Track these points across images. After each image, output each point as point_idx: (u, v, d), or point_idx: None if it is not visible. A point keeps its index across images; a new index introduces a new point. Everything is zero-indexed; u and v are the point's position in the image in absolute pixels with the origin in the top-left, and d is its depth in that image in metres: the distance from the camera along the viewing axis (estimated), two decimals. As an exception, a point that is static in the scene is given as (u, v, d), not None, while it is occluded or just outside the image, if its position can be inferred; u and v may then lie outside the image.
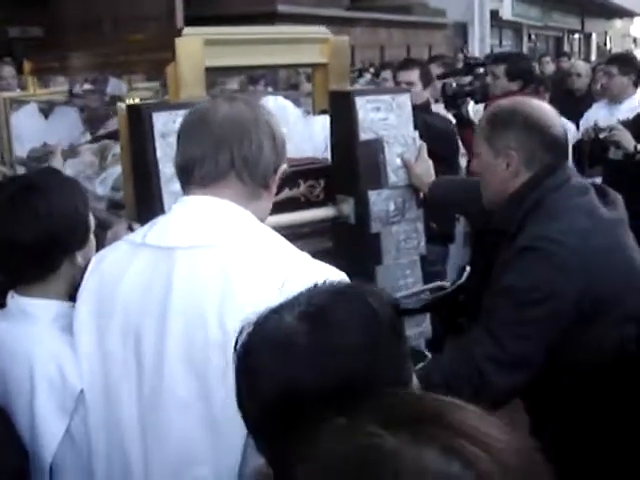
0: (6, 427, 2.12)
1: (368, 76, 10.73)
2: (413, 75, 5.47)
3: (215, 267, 2.00)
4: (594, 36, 36.36)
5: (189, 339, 2.00)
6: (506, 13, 28.40)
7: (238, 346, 1.48)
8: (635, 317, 2.55)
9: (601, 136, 5.26)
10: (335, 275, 1.96)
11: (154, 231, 2.13)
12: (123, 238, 2.25)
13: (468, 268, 3.05)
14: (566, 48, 31.65)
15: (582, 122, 6.62)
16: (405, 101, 3.24)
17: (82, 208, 2.35)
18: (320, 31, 3.41)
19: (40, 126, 6.27)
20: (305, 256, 2.08)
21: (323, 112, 3.46)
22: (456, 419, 0.98)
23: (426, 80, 5.53)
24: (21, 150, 5.56)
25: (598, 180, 4.46)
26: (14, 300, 2.32)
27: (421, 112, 4.83)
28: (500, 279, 2.65)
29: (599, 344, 2.54)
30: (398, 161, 3.21)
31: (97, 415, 2.15)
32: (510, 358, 2.56)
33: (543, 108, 2.78)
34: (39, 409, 2.14)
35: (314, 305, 1.46)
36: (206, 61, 3.01)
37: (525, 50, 28.47)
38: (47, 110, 6.48)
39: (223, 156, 2.08)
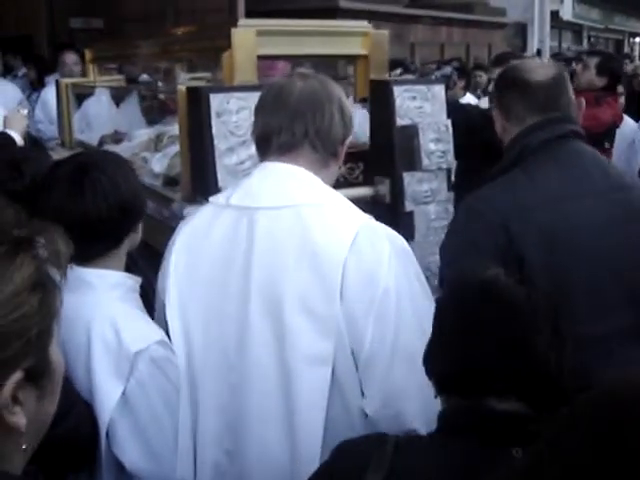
0: (73, 394, 2.13)
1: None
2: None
3: (293, 225, 2.18)
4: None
5: (269, 290, 2.17)
6: (566, 14, 27.92)
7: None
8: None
9: None
10: (397, 236, 2.27)
11: (238, 193, 2.33)
12: (210, 200, 2.41)
13: None
14: (627, 51, 31.29)
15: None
16: (439, 91, 3.45)
17: (135, 178, 2.49)
18: (361, 25, 3.60)
19: (111, 114, 6.38)
20: (368, 217, 2.29)
21: (363, 100, 3.67)
22: None
23: None
24: (91, 137, 5.77)
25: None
26: (73, 271, 2.23)
27: None
28: None
29: None
30: (431, 146, 3.40)
31: (180, 360, 2.28)
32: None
33: (529, 63, 2.95)
34: (96, 373, 2.16)
35: None
36: (258, 50, 3.22)
37: (585, 52, 28.20)
38: (118, 98, 6.56)
39: (298, 127, 2.28)
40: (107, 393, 2.17)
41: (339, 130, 2.34)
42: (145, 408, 2.20)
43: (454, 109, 4.92)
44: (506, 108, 2.81)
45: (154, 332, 2.28)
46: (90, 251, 2.31)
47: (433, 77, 5.58)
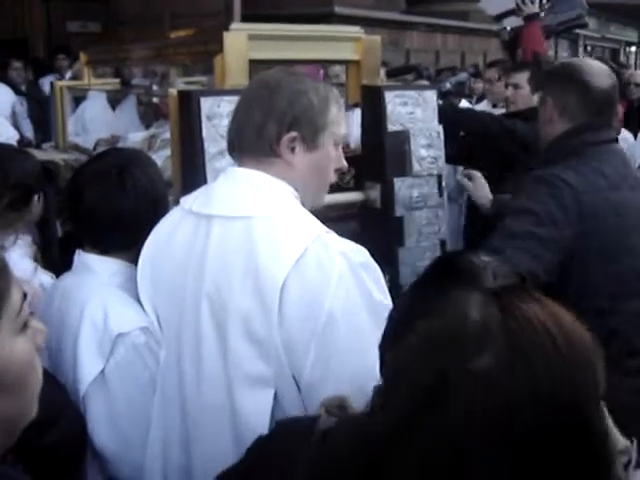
0: (62, 399, 2.22)
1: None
2: (521, 77, 5.02)
3: (242, 238, 2.08)
4: (651, 49, 36.03)
5: (216, 307, 2.11)
6: (563, 23, 27.97)
7: None
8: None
9: None
10: (356, 251, 2.06)
11: (200, 199, 2.27)
12: (180, 202, 2.37)
13: None
14: (622, 60, 31.35)
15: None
16: (431, 97, 3.48)
17: (163, 181, 2.59)
18: (354, 30, 3.59)
19: (108, 117, 6.43)
20: (327, 233, 2.10)
21: (355, 105, 3.68)
22: None
23: (537, 84, 4.70)
24: (87, 140, 5.79)
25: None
26: (80, 256, 2.51)
27: (526, 119, 4.69)
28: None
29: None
30: (422, 152, 3.42)
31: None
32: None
33: (594, 66, 3.12)
34: (80, 348, 2.27)
35: None
36: (250, 54, 3.21)
37: (581, 61, 28.25)
38: (114, 101, 6.62)
39: (268, 133, 2.17)
40: (87, 368, 2.26)
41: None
42: (120, 390, 2.28)
43: (470, 117, 4.92)
44: (562, 103, 3.04)
45: (141, 319, 2.32)
46: (117, 244, 2.49)
47: (448, 84, 5.55)
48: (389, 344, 1.38)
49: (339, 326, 1.97)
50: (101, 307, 2.32)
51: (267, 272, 2.02)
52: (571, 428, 1.10)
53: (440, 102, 4.30)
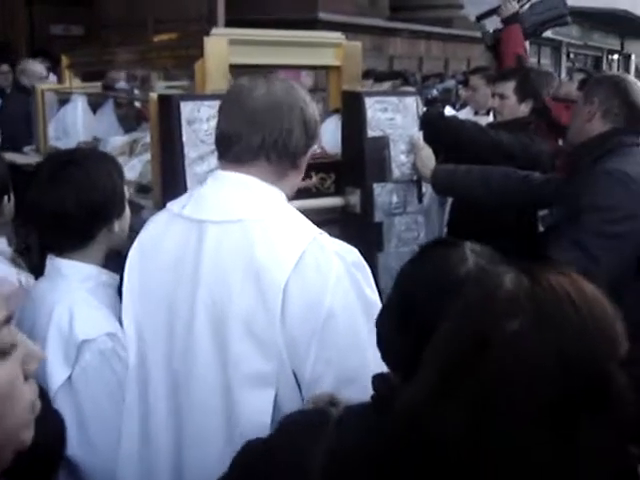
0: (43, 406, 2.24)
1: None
2: (507, 87, 4.99)
3: (239, 242, 2.11)
4: (633, 57, 36.01)
5: (214, 310, 2.12)
6: (546, 30, 28.05)
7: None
8: None
9: None
10: (349, 251, 2.16)
11: (190, 203, 2.26)
12: (166, 206, 2.37)
13: None
14: (604, 68, 31.45)
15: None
16: (411, 103, 3.49)
17: (118, 179, 2.52)
18: (335, 36, 3.60)
19: (89, 121, 6.38)
20: (324, 235, 2.18)
21: (336, 111, 3.69)
22: None
23: (524, 94, 4.97)
24: (68, 143, 5.72)
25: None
26: (51, 261, 2.48)
27: (511, 131, 4.75)
28: (580, 202, 3.24)
29: None
30: (402, 158, 3.44)
31: (132, 374, 2.29)
32: (603, 269, 3.08)
33: (636, 83, 3.51)
34: (48, 353, 2.20)
35: None
36: (230, 59, 3.20)
37: (563, 69, 28.36)
38: (95, 105, 6.56)
39: (255, 138, 2.17)
40: (54, 375, 2.24)
41: (300, 142, 2.25)
42: (87, 396, 2.26)
43: (456, 125, 4.92)
44: (606, 106, 3.42)
45: (108, 324, 2.32)
46: (64, 243, 2.45)
47: (435, 91, 5.56)
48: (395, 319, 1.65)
49: (338, 324, 2.05)
50: (68, 313, 2.30)
51: (268, 275, 2.06)
52: (593, 382, 1.21)
53: (425, 109, 4.30)
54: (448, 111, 8.11)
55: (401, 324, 1.74)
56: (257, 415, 2.07)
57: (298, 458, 1.69)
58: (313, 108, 2.31)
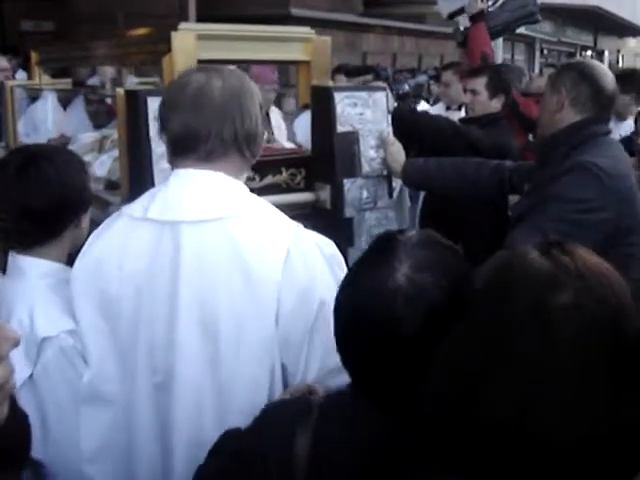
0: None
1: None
2: (479, 83, 5.04)
3: (221, 241, 2.06)
4: (606, 54, 36.24)
5: (201, 312, 2.07)
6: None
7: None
8: None
9: None
10: (326, 243, 2.17)
11: (156, 205, 2.15)
12: (120, 211, 2.29)
13: None
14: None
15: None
16: (381, 98, 3.46)
17: (84, 174, 2.49)
18: (304, 31, 3.57)
19: (57, 117, 6.32)
20: (300, 227, 2.18)
21: (305, 106, 3.67)
22: None
23: (495, 89, 5.03)
24: (37, 140, 5.66)
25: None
26: (13, 259, 2.43)
27: (482, 126, 4.83)
28: (546, 191, 3.23)
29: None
30: (372, 153, 3.42)
31: (110, 389, 2.22)
32: None
33: (603, 69, 3.49)
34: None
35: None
36: (199, 54, 3.16)
37: (537, 65, 28.52)
38: (66, 101, 6.50)
39: (227, 132, 2.13)
40: (15, 374, 2.15)
41: (261, 130, 2.24)
42: (49, 394, 2.23)
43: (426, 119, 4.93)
44: (573, 95, 3.37)
45: (69, 321, 2.27)
46: (28, 239, 2.39)
47: (406, 86, 5.57)
48: None
49: (327, 312, 1.98)
50: (27, 310, 2.27)
51: (258, 274, 2.05)
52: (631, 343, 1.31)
53: (396, 103, 4.30)
54: (422, 106, 8.11)
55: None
56: (249, 411, 2.00)
57: (282, 446, 1.70)
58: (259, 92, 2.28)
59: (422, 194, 5.54)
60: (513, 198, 3.99)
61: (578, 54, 34.16)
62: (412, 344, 1.63)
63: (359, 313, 1.70)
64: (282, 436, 1.71)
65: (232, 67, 2.32)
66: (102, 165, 4.04)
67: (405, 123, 3.89)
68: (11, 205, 2.33)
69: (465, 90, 5.25)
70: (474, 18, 5.79)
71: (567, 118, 3.39)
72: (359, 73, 7.83)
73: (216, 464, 1.88)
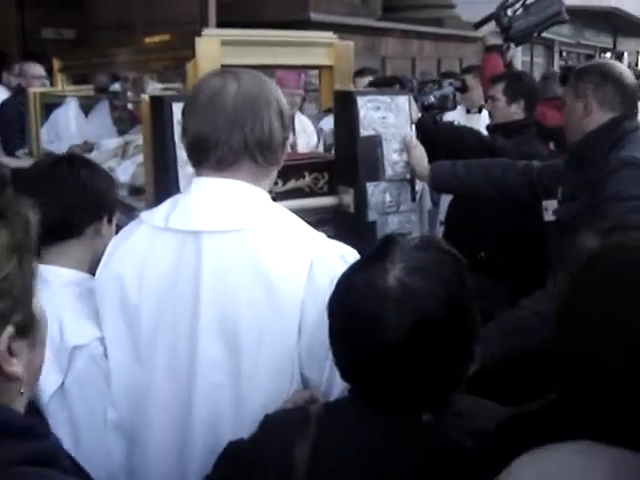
0: None
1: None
2: (497, 89, 4.97)
3: (243, 253, 2.04)
4: (626, 55, 36.02)
5: (222, 322, 2.06)
6: (538, 29, 27.99)
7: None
8: None
9: None
10: (350, 253, 2.10)
11: (176, 214, 2.13)
12: (141, 219, 2.26)
13: None
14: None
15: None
16: (403, 102, 3.49)
17: (110, 181, 2.56)
18: (327, 36, 3.62)
19: (80, 124, 6.35)
20: (323, 237, 2.16)
21: (328, 110, 3.69)
22: None
23: (513, 95, 4.91)
24: (61, 147, 5.72)
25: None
26: None
27: (508, 134, 4.76)
28: (599, 194, 3.22)
29: None
30: (395, 156, 3.44)
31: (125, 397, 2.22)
32: None
33: (620, 66, 3.59)
34: None
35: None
36: (222, 59, 3.19)
37: (556, 68, 28.37)
38: (88, 108, 6.52)
39: (237, 139, 2.10)
40: (45, 384, 2.18)
41: (279, 136, 2.18)
42: (80, 403, 2.23)
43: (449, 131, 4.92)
44: (600, 95, 3.41)
45: (98, 329, 2.27)
46: (50, 239, 2.37)
47: (432, 97, 5.57)
48: None
49: None
50: (56, 319, 2.22)
51: (282, 288, 2.03)
52: None
53: (421, 114, 4.30)
54: (447, 116, 8.09)
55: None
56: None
57: (282, 455, 1.73)
58: (283, 97, 2.24)
59: (443, 199, 5.54)
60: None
61: (597, 56, 33.99)
62: (401, 348, 1.64)
63: (350, 314, 1.71)
64: (281, 446, 1.74)
65: (253, 71, 2.26)
66: (125, 171, 4.06)
67: (429, 135, 3.90)
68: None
69: (487, 98, 5.24)
70: (489, 49, 5.76)
71: (596, 120, 3.41)
72: (384, 84, 7.84)
73: (219, 473, 1.91)
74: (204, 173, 2.17)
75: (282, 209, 2.20)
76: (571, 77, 3.64)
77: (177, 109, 2.97)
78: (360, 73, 7.65)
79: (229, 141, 2.11)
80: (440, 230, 5.72)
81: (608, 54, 34.81)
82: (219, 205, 2.12)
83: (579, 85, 3.47)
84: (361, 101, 3.35)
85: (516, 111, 4.93)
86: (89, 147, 5.39)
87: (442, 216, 5.81)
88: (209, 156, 2.13)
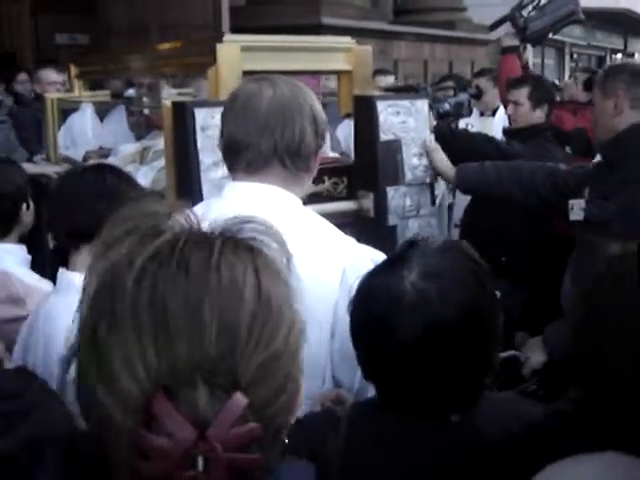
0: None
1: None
2: (520, 94, 4.94)
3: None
4: (637, 56, 35.92)
5: None
6: (549, 31, 28.00)
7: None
8: None
9: None
10: (376, 256, 2.11)
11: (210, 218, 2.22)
12: None
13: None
14: (609, 67, 31.35)
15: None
16: (422, 106, 3.51)
17: (138, 188, 2.60)
18: (345, 41, 3.63)
19: (95, 129, 6.39)
20: (354, 242, 2.20)
21: (347, 115, 3.71)
22: None
23: (538, 100, 4.93)
24: (76, 152, 5.76)
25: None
26: (62, 274, 2.44)
27: (524, 139, 4.76)
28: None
29: None
30: (414, 160, 3.46)
31: None
32: None
33: None
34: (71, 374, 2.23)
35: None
36: (243, 65, 3.21)
37: (567, 69, 28.36)
38: (104, 113, 6.58)
39: (266, 144, 2.12)
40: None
41: (311, 143, 2.20)
42: None
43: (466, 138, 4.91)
44: (632, 95, 3.41)
45: None
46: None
47: (447, 105, 5.58)
48: None
49: None
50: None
51: (315, 294, 1.99)
52: None
53: (436, 122, 4.30)
54: (462, 122, 8.09)
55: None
56: None
57: (312, 458, 1.73)
58: (319, 105, 2.25)
59: (457, 203, 5.54)
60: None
61: (608, 58, 33.95)
62: (415, 351, 1.65)
63: (367, 316, 1.73)
64: (311, 449, 1.72)
65: (291, 78, 2.28)
66: (145, 176, 4.08)
67: (444, 143, 3.91)
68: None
69: (507, 102, 5.17)
70: (505, 51, 5.74)
71: (628, 118, 3.42)
72: (399, 92, 7.86)
73: None
74: (237, 177, 2.21)
75: (314, 214, 2.23)
76: (598, 77, 3.66)
77: (199, 114, 3.01)
78: (380, 72, 7.65)
79: (259, 145, 2.14)
80: (455, 233, 5.73)
81: (619, 55, 34.75)
82: (251, 210, 2.10)
83: (608, 84, 3.47)
84: (381, 106, 3.36)
85: (540, 116, 4.94)
86: (105, 152, 5.41)
87: (457, 219, 5.82)
88: (240, 160, 2.17)
